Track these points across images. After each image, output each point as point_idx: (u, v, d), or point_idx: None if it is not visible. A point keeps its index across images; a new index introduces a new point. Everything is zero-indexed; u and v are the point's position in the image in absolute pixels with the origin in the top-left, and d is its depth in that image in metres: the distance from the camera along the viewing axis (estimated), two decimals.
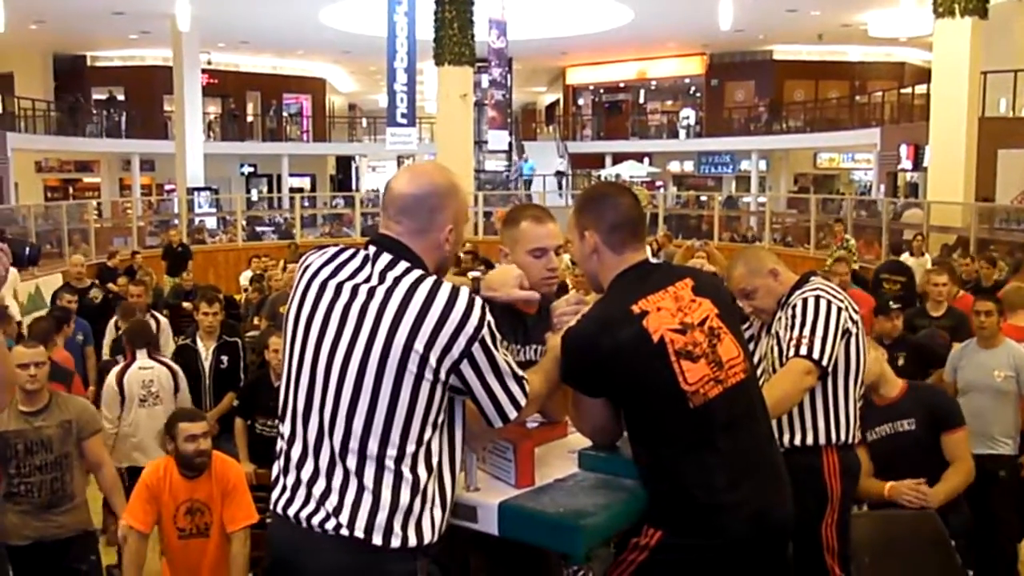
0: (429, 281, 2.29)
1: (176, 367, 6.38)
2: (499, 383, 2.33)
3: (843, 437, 3.43)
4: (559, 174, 30.51)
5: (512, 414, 2.37)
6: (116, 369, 6.21)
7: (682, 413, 2.50)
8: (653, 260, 2.73)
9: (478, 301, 2.29)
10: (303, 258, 2.50)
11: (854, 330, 3.43)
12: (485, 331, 2.28)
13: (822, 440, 3.40)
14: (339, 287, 2.34)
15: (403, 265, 2.33)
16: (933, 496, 4.06)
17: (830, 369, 3.35)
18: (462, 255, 10.26)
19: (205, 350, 6.94)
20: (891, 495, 4.14)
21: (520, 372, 2.40)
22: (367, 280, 2.32)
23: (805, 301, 3.38)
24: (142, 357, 6.18)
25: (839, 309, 3.38)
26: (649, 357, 2.50)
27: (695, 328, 2.56)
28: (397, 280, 2.29)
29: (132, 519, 4.30)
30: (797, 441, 3.38)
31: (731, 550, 2.49)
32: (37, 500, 4.43)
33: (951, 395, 4.92)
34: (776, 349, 3.44)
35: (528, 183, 29.39)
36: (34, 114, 26.55)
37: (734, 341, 2.63)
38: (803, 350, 3.27)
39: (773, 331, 3.50)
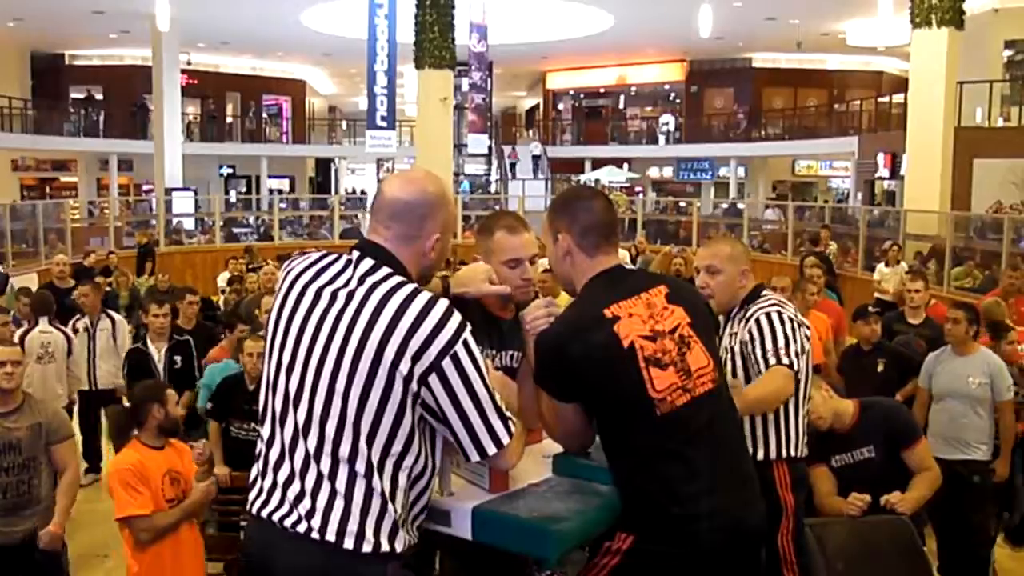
0: (407, 288, 2.28)
1: (71, 334, 7.55)
2: (477, 412, 2.27)
3: (792, 451, 3.53)
4: (536, 158, 31.10)
5: (491, 449, 2.29)
6: (20, 331, 7.30)
7: (649, 421, 2.49)
8: (628, 265, 2.73)
9: (456, 315, 2.27)
10: (286, 263, 2.51)
11: (807, 346, 3.53)
12: (460, 347, 2.24)
13: (773, 455, 3.50)
14: (319, 292, 2.34)
15: (383, 271, 2.32)
16: (904, 503, 4.07)
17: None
18: None
19: (157, 351, 6.94)
20: (845, 510, 4.14)
21: (507, 413, 2.34)
22: (346, 285, 2.32)
23: (769, 316, 3.48)
24: (43, 323, 7.41)
25: (799, 324, 3.51)
26: (618, 363, 2.49)
27: (665, 336, 2.56)
28: (375, 286, 2.29)
29: (134, 509, 4.22)
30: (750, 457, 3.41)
31: (703, 557, 2.49)
32: (2, 502, 4.37)
33: (905, 408, 4.92)
34: (739, 361, 3.52)
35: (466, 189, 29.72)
36: (11, 112, 26.36)
37: (704, 350, 2.62)
38: (784, 360, 3.37)
39: (727, 345, 3.58)
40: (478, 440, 2.29)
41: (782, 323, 3.45)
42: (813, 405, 4.16)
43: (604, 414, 2.55)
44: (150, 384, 5.02)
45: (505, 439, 2.31)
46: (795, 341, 3.42)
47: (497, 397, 2.32)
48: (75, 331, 8.01)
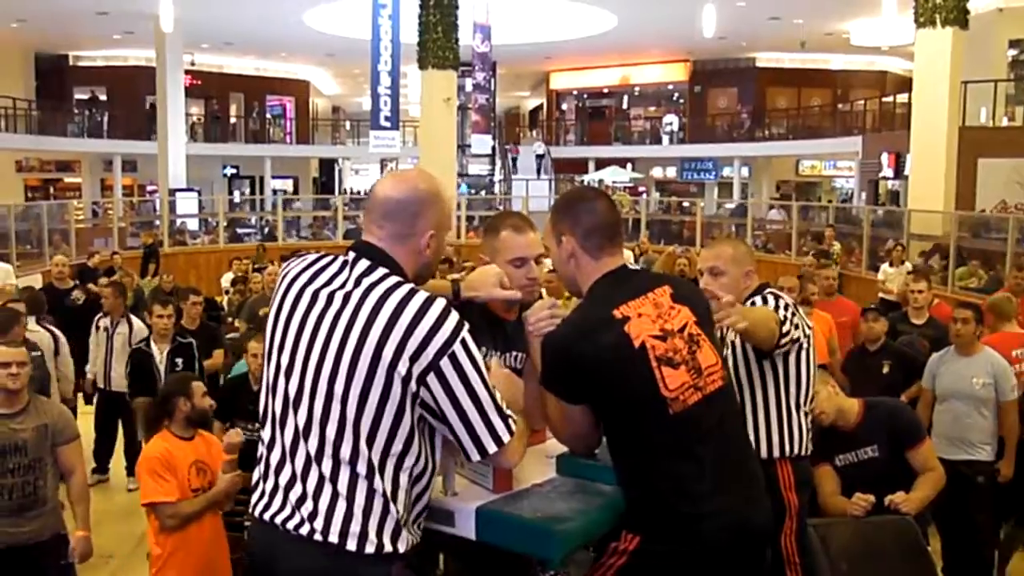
0: (403, 288, 2.28)
1: (59, 333, 7.39)
2: (476, 411, 2.27)
3: (796, 449, 3.52)
4: (539, 158, 31.25)
5: (491, 447, 2.29)
6: None
7: (662, 420, 2.49)
8: (632, 266, 2.73)
9: (454, 314, 2.27)
10: (284, 266, 2.51)
11: (805, 344, 3.53)
12: (458, 346, 2.24)
13: (776, 453, 3.49)
14: (316, 294, 2.35)
15: (380, 272, 2.33)
16: (908, 503, 4.07)
17: (782, 379, 3.48)
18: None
19: (159, 353, 6.96)
20: (850, 510, 4.13)
21: (507, 411, 2.34)
22: (343, 286, 2.33)
23: (764, 298, 3.50)
24: (31, 323, 7.23)
25: (793, 312, 3.49)
26: (630, 363, 2.49)
27: (675, 335, 2.56)
28: (372, 287, 2.29)
29: (160, 495, 4.33)
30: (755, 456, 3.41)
31: (710, 557, 2.49)
32: (8, 504, 4.36)
33: (909, 408, 4.91)
34: (740, 358, 3.52)
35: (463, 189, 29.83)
36: (15, 113, 26.39)
37: (712, 349, 2.63)
38: (778, 313, 3.37)
39: (730, 340, 3.57)
40: (478, 439, 2.29)
41: (776, 299, 3.47)
42: (818, 400, 4.14)
43: (614, 414, 2.55)
44: (178, 377, 5.19)
45: (505, 437, 2.31)
46: (786, 310, 3.42)
47: (498, 396, 2.32)
48: (96, 329, 8.08)
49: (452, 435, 2.30)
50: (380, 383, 2.22)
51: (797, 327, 3.44)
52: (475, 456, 2.32)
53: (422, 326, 2.21)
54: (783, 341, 3.36)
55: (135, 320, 8.24)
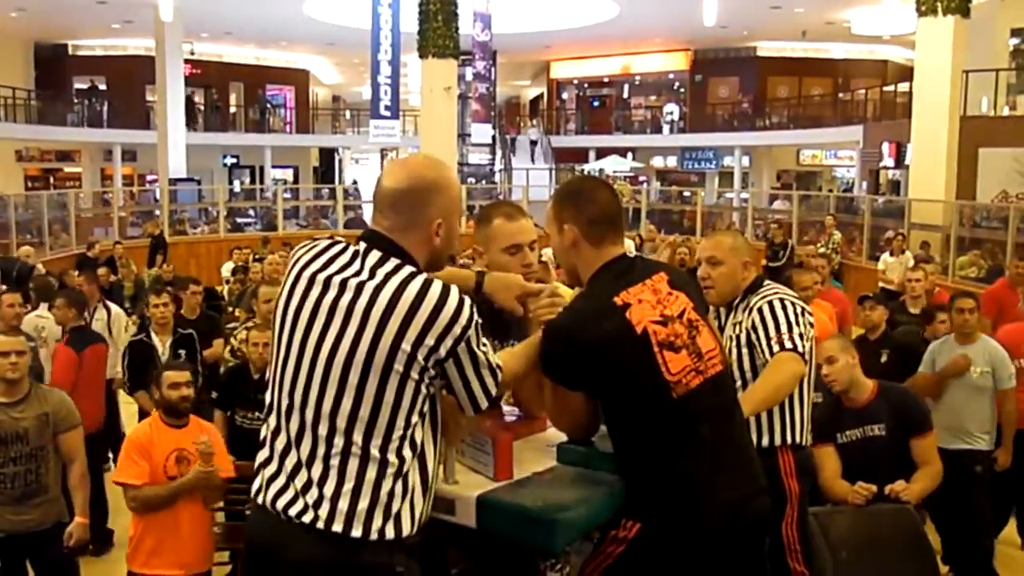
0: (420, 279, 2.27)
1: None
2: (476, 376, 2.34)
3: (797, 439, 3.56)
4: (533, 143, 31.32)
5: (484, 404, 2.38)
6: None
7: (665, 403, 2.52)
8: (630, 254, 2.75)
9: (467, 301, 2.28)
10: (293, 252, 2.50)
11: (810, 333, 3.55)
12: (472, 331, 2.28)
13: (777, 441, 3.53)
14: (328, 281, 2.32)
15: (393, 262, 2.31)
16: (910, 492, 4.09)
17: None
18: None
19: (161, 344, 6.80)
20: (850, 498, 4.14)
21: (496, 361, 2.40)
22: (356, 275, 2.31)
23: (771, 304, 3.53)
24: (42, 308, 7.38)
25: (802, 310, 3.55)
26: (633, 348, 2.52)
27: (675, 320, 2.60)
28: (387, 277, 2.28)
29: (126, 477, 4.38)
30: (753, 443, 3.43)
31: (709, 541, 2.51)
32: (10, 492, 4.38)
33: (922, 398, 4.93)
34: (744, 350, 3.55)
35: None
36: (14, 103, 26.34)
37: (711, 333, 2.69)
38: (787, 344, 3.41)
39: (731, 334, 3.61)
40: (474, 398, 2.37)
41: (783, 309, 3.50)
42: (835, 367, 4.25)
43: (617, 400, 2.57)
44: (163, 366, 5.22)
45: (495, 390, 2.40)
46: (798, 324, 3.47)
47: (489, 348, 2.40)
48: None
49: (451, 393, 2.37)
50: (397, 375, 2.23)
51: (807, 332, 3.49)
52: (469, 412, 2.40)
53: (441, 318, 2.23)
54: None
55: (112, 305, 8.14)
